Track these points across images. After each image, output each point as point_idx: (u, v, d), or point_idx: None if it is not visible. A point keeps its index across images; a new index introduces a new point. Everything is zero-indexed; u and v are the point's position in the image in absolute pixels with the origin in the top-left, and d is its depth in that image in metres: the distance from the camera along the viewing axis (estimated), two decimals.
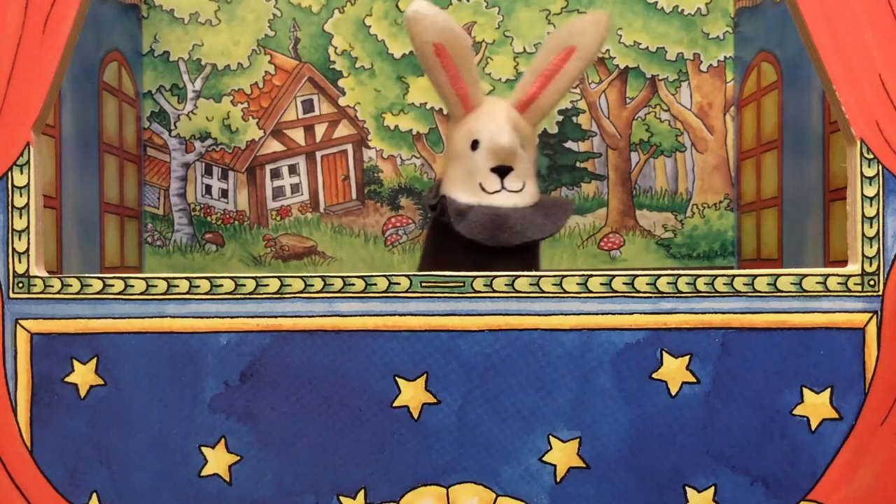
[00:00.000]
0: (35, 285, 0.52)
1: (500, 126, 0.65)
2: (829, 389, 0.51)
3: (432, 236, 0.70)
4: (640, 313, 0.51)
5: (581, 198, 0.86)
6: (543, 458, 0.51)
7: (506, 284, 0.51)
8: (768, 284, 0.51)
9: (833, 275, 0.51)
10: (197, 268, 0.85)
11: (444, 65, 0.65)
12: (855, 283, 0.51)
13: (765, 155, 0.80)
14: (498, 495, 0.51)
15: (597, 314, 0.51)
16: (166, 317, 0.51)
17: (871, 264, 0.51)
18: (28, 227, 0.52)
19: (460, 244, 0.64)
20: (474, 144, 0.66)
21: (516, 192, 0.66)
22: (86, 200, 0.72)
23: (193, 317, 0.51)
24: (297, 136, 0.86)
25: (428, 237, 0.72)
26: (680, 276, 0.51)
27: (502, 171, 0.65)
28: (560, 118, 0.86)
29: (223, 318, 0.51)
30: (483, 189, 0.65)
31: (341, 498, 0.51)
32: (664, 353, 0.51)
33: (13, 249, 0.52)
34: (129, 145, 0.82)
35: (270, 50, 0.85)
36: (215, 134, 0.86)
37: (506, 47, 0.85)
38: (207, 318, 0.51)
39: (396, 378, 0.51)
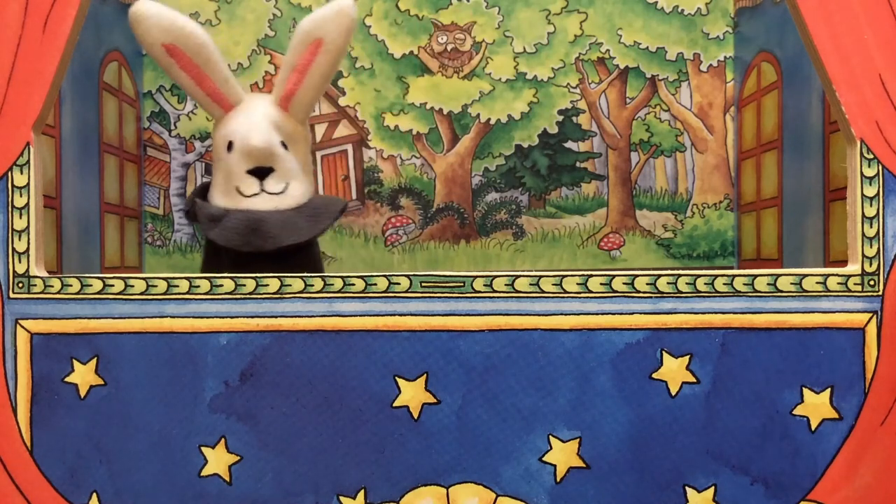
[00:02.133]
0: (35, 285, 0.52)
1: (253, 125, 0.62)
2: (829, 389, 0.51)
3: (205, 245, 0.67)
4: (640, 313, 0.51)
5: (581, 198, 0.86)
6: (543, 458, 0.51)
7: (506, 284, 0.51)
8: (768, 284, 0.51)
9: (833, 275, 0.51)
10: (197, 268, 0.85)
11: (181, 66, 0.62)
12: (855, 283, 0.51)
13: (765, 155, 0.80)
14: (498, 495, 0.51)
15: (597, 314, 0.51)
16: (166, 317, 0.51)
17: (871, 264, 0.51)
18: (28, 227, 0.52)
19: (226, 252, 0.62)
20: (229, 146, 0.63)
21: (277, 194, 0.63)
22: (86, 200, 0.72)
23: (193, 317, 0.51)
24: None
25: (203, 246, 0.68)
26: (680, 276, 0.51)
27: (261, 173, 0.62)
28: (560, 118, 0.86)
29: (223, 318, 0.51)
30: (240, 192, 0.63)
31: (341, 498, 0.51)
32: (664, 353, 0.51)
33: (13, 249, 0.52)
34: (129, 145, 0.82)
35: (270, 50, 0.85)
36: None
37: (506, 47, 0.85)
38: (207, 318, 0.51)
39: (396, 378, 0.51)
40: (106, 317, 0.52)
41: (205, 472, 0.52)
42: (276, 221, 0.61)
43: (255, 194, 0.62)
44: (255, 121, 0.63)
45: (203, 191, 0.66)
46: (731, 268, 0.86)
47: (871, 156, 0.51)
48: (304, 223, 0.63)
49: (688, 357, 0.51)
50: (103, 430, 0.52)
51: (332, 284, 0.51)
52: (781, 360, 0.51)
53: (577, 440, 0.51)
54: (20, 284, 0.52)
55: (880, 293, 0.51)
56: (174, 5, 0.84)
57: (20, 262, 0.52)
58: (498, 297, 0.51)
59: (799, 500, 0.51)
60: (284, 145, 0.64)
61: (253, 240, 0.61)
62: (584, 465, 0.51)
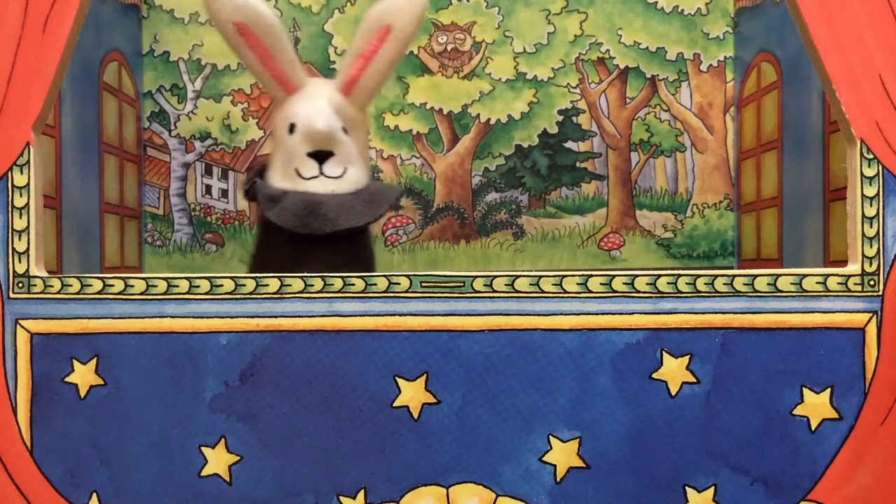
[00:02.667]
0: (35, 285, 0.52)
1: (317, 109, 0.63)
2: (829, 389, 0.51)
3: (260, 226, 0.68)
4: (640, 313, 0.51)
5: (581, 198, 0.86)
6: (543, 458, 0.51)
7: (506, 284, 0.51)
8: (768, 284, 0.51)
9: (833, 275, 0.51)
10: (197, 268, 0.85)
11: (249, 45, 0.62)
12: (855, 283, 0.51)
13: (765, 155, 0.80)
14: (498, 495, 0.51)
15: (597, 314, 0.51)
16: (166, 317, 0.51)
17: (871, 264, 0.51)
18: (28, 227, 0.52)
19: (282, 233, 0.62)
20: (291, 128, 0.63)
21: (335, 178, 0.63)
22: (86, 200, 0.72)
23: (193, 317, 0.51)
24: None
25: (258, 227, 0.68)
26: (680, 276, 0.51)
27: (321, 157, 0.63)
28: (560, 118, 0.86)
29: (223, 318, 0.51)
30: (299, 174, 0.63)
31: (341, 498, 0.51)
32: (664, 353, 0.51)
33: (13, 249, 0.52)
34: (129, 145, 0.82)
35: None
36: (215, 134, 0.86)
37: (506, 47, 0.86)
38: (207, 318, 0.51)
39: (396, 378, 0.51)
40: (106, 317, 0.52)
41: (205, 472, 0.52)
42: (333, 205, 0.62)
43: (314, 177, 0.63)
44: (318, 104, 0.63)
45: (261, 171, 0.67)
46: (731, 268, 0.86)
47: (871, 156, 0.51)
48: (361, 208, 0.63)
49: (688, 357, 0.51)
50: (103, 430, 0.52)
51: (332, 284, 0.51)
52: (781, 360, 0.51)
53: (577, 440, 0.51)
54: (20, 284, 0.52)
55: (880, 293, 0.51)
56: (175, 4, 0.85)
57: (20, 262, 0.52)
58: (498, 297, 0.51)
59: (799, 500, 0.51)
60: (345, 130, 0.64)
61: (310, 222, 0.61)
62: (584, 465, 0.51)
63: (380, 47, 0.63)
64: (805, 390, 0.51)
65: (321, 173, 0.63)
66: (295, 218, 0.61)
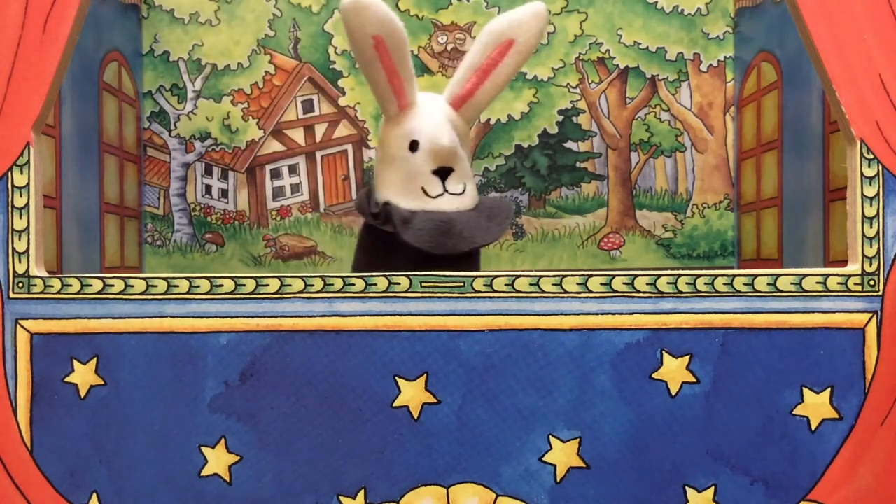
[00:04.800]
0: (35, 285, 0.52)
1: (438, 125, 0.62)
2: (829, 389, 0.51)
3: (368, 244, 0.67)
4: (640, 313, 0.51)
5: (581, 198, 0.86)
6: (543, 458, 0.51)
7: (506, 284, 0.51)
8: (768, 284, 0.51)
9: (833, 275, 0.51)
10: (197, 268, 0.85)
11: (382, 59, 0.61)
12: (855, 283, 0.51)
13: (765, 155, 0.80)
14: (498, 495, 0.51)
15: (597, 314, 0.51)
16: (166, 317, 0.51)
17: (871, 264, 0.51)
18: (28, 227, 0.52)
19: (403, 252, 0.61)
20: (413, 145, 0.63)
21: (458, 194, 0.63)
22: (86, 200, 0.72)
23: (193, 317, 0.51)
24: (297, 136, 0.86)
25: (361, 245, 0.67)
26: (680, 276, 0.51)
27: (443, 173, 0.62)
28: (560, 118, 0.86)
29: (223, 318, 0.51)
30: (425, 193, 0.62)
31: (341, 498, 0.51)
32: (664, 353, 0.51)
33: (13, 249, 0.52)
34: (129, 145, 0.82)
35: (270, 50, 0.85)
36: (215, 134, 0.86)
37: None
38: (207, 318, 0.51)
39: (396, 378, 0.51)
40: (106, 317, 0.52)
41: (205, 472, 0.52)
42: (464, 222, 0.61)
43: (440, 195, 0.62)
44: (438, 120, 0.63)
45: (370, 189, 0.66)
46: (731, 268, 0.86)
47: (871, 156, 0.51)
48: (487, 224, 0.63)
49: (688, 357, 0.51)
50: (103, 430, 0.52)
51: (332, 284, 0.51)
52: (781, 360, 0.51)
53: (577, 440, 0.51)
54: (20, 284, 0.52)
55: (880, 293, 0.51)
56: (175, 4, 0.85)
57: (20, 262, 0.52)
58: (498, 297, 0.51)
59: (799, 500, 0.51)
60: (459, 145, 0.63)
61: (445, 241, 0.60)
62: (584, 465, 0.51)
63: (499, 62, 0.63)
64: (805, 390, 0.51)
65: (445, 191, 0.62)
66: (431, 239, 0.60)
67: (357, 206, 0.67)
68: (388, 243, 0.63)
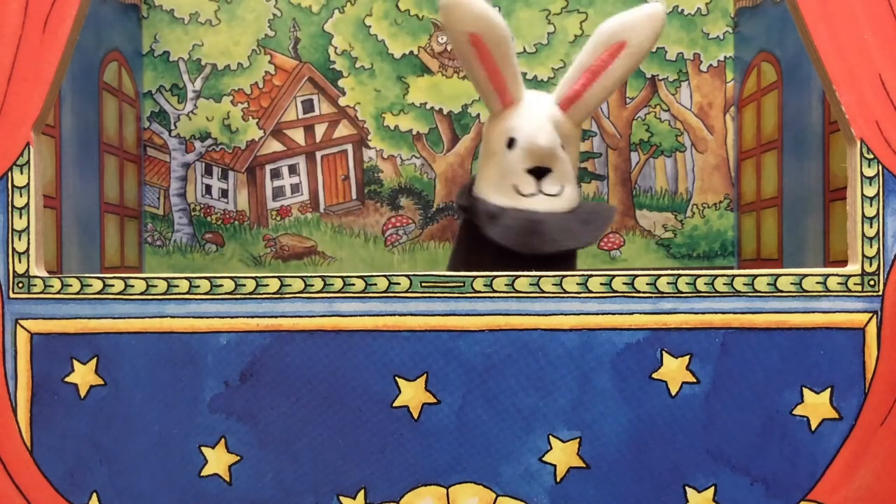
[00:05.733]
0: (35, 285, 0.52)
1: (539, 124, 0.61)
2: (829, 389, 0.51)
3: (464, 237, 0.67)
4: (640, 313, 0.51)
5: (581, 198, 0.86)
6: (543, 458, 0.51)
7: (506, 284, 0.51)
8: (768, 284, 0.51)
9: (833, 275, 0.51)
10: (197, 268, 0.85)
11: (480, 56, 0.61)
12: (855, 283, 0.51)
13: (765, 155, 0.80)
14: (498, 495, 0.51)
15: (597, 314, 0.51)
16: (166, 317, 0.51)
17: (871, 264, 0.51)
18: (28, 227, 0.52)
19: (491, 249, 0.60)
20: (510, 143, 0.62)
21: (553, 196, 0.62)
22: (86, 200, 0.72)
23: (193, 317, 0.51)
24: (297, 136, 0.86)
25: (459, 237, 0.68)
26: (680, 276, 0.51)
27: (539, 173, 0.61)
28: None
29: (223, 318, 0.51)
30: (517, 191, 0.62)
31: (341, 498, 0.51)
32: (664, 353, 0.51)
33: (13, 249, 0.52)
34: (129, 145, 0.82)
35: (270, 50, 0.85)
36: (215, 134, 0.86)
37: None
38: (207, 318, 0.51)
39: (396, 378, 0.51)
40: (106, 317, 0.52)
41: (205, 473, 0.52)
42: (554, 224, 0.61)
43: (533, 194, 0.62)
44: (539, 120, 0.62)
45: (471, 184, 0.65)
46: (731, 268, 0.86)
47: (871, 156, 0.51)
48: (580, 228, 0.62)
49: (688, 357, 0.51)
50: (103, 430, 0.52)
51: (332, 284, 0.51)
52: (781, 360, 0.51)
53: (577, 440, 0.51)
54: (20, 284, 0.52)
55: (880, 293, 0.51)
56: (175, 4, 0.85)
57: (20, 262, 0.52)
58: (498, 297, 0.51)
59: (799, 500, 0.51)
60: (562, 146, 0.63)
61: (531, 241, 0.60)
62: (584, 465, 0.51)
63: (610, 63, 0.62)
64: (805, 390, 0.51)
65: (540, 191, 0.62)
66: (517, 237, 0.59)
67: (456, 197, 0.67)
68: (479, 239, 0.62)
